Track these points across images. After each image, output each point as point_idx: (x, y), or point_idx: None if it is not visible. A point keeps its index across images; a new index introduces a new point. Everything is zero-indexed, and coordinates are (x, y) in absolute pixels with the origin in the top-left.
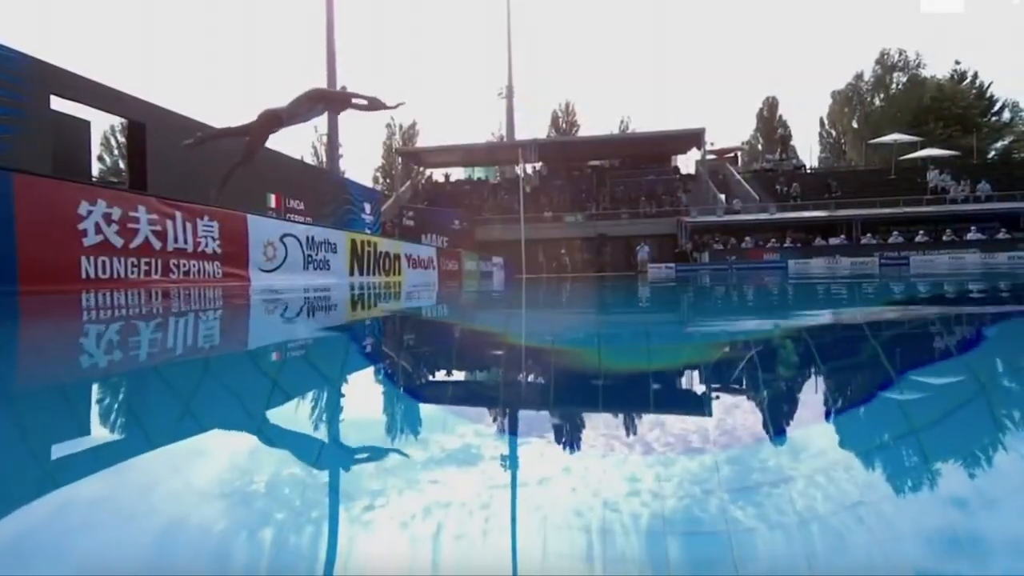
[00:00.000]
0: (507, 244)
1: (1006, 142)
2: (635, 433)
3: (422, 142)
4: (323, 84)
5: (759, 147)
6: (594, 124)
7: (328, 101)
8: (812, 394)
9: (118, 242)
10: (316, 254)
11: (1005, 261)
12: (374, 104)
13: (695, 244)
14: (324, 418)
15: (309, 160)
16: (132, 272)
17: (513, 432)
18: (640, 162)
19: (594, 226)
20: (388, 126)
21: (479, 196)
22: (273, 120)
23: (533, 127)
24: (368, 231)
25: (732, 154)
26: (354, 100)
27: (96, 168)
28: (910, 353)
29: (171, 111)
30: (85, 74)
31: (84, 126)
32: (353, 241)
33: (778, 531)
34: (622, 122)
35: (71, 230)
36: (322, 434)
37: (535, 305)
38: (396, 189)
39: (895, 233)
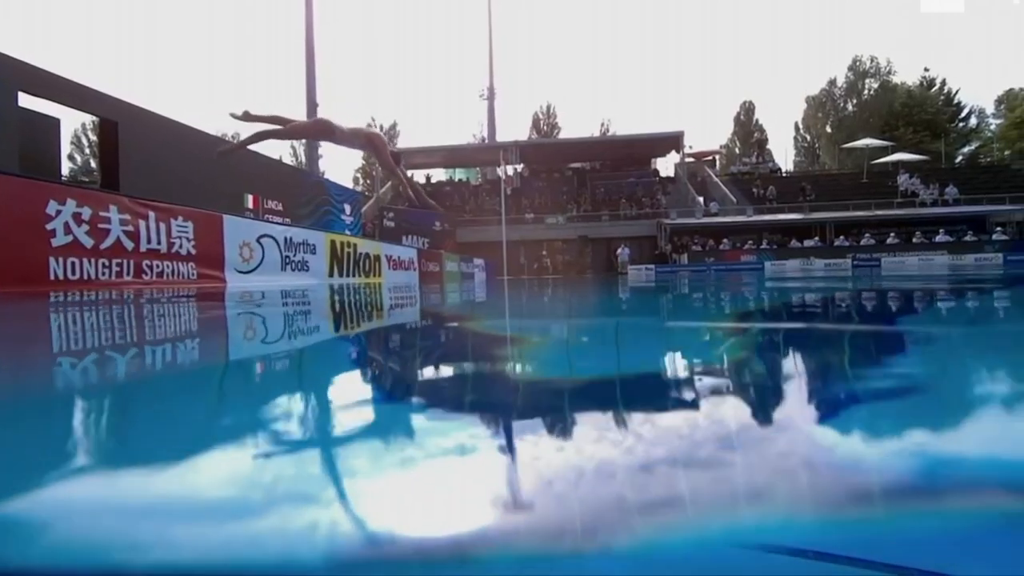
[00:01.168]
0: (489, 246)
1: (972, 147)
2: (623, 434)
3: (403, 143)
4: (306, 81)
5: (736, 150)
6: (575, 127)
7: (378, 152)
8: (784, 392)
9: (88, 243)
10: (294, 255)
11: (972, 263)
12: (417, 195)
13: (674, 246)
14: (315, 434)
15: (288, 160)
16: (103, 273)
17: (512, 439)
18: (621, 164)
19: (575, 228)
20: (368, 127)
21: (460, 197)
22: (326, 129)
23: (515, 129)
24: (348, 232)
25: (710, 157)
26: (399, 174)
27: (66, 167)
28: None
29: (144, 109)
30: (55, 70)
31: (54, 124)
32: (333, 242)
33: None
34: (603, 125)
35: (39, 230)
36: (314, 449)
37: (520, 308)
38: (376, 190)
39: (867, 235)
